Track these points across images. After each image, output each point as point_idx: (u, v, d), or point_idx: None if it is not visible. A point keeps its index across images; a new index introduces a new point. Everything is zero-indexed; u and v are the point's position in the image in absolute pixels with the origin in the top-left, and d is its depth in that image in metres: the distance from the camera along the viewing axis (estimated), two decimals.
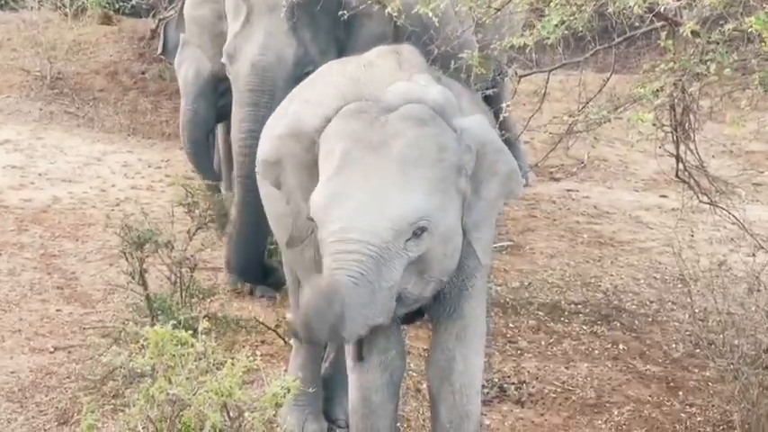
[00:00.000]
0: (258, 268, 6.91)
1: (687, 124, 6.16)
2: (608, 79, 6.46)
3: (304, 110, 4.51)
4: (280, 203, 4.67)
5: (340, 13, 5.86)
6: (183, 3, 6.90)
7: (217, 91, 7.75)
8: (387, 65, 4.69)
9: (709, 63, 4.96)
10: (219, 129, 8.63)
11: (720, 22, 5.02)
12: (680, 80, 5.15)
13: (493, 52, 6.21)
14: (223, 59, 6.34)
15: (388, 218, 4.02)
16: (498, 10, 5.95)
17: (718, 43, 4.92)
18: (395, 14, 5.79)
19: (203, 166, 7.82)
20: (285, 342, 6.35)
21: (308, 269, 4.67)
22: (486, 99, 9.18)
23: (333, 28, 6.29)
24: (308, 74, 6.06)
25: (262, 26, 6.20)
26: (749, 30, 4.64)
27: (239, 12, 6.31)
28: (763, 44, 4.49)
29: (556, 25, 5.27)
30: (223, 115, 8.03)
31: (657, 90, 5.12)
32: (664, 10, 5.03)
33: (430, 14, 5.45)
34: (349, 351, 4.65)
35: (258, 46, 6.22)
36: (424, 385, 5.99)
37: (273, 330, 6.46)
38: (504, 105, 5.46)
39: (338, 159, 4.11)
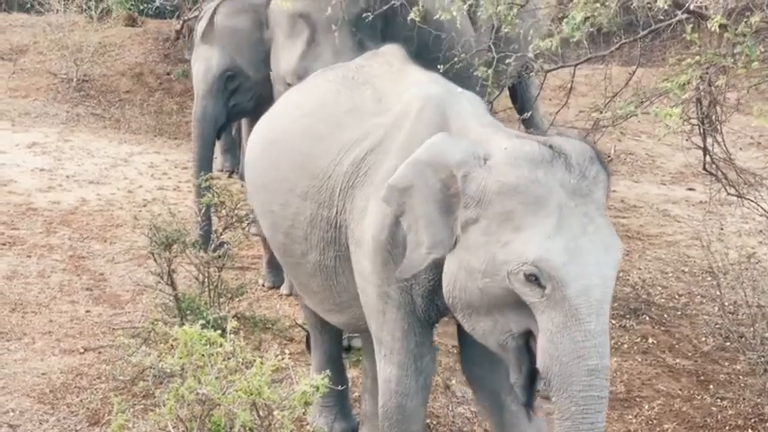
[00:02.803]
0: None
1: (714, 116, 6.14)
2: (633, 73, 6.44)
3: (444, 141, 4.12)
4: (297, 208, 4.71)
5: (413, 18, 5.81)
6: (214, 9, 6.81)
7: (227, 89, 7.79)
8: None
9: (737, 56, 4.93)
10: (244, 128, 8.65)
11: (746, 14, 4.99)
12: (706, 73, 5.12)
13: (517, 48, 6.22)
14: (289, 80, 6.18)
15: (614, 266, 3.96)
16: (522, 6, 5.95)
17: (745, 36, 4.89)
18: (417, 20, 5.81)
19: (204, 164, 7.81)
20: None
21: (308, 275, 4.77)
22: (513, 95, 9.27)
23: (390, 36, 6.20)
24: None
25: (329, 45, 6.05)
26: None
27: (298, 30, 6.13)
28: None
29: (581, 21, 5.25)
30: (235, 114, 8.07)
31: (684, 84, 5.09)
32: (694, 6, 5.00)
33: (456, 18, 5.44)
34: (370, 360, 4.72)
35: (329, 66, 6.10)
36: (453, 381, 6.01)
37: (301, 327, 6.47)
38: (531, 100, 5.45)
39: (555, 210, 3.81)
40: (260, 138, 5.09)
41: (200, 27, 8.19)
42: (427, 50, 6.20)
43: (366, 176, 4.40)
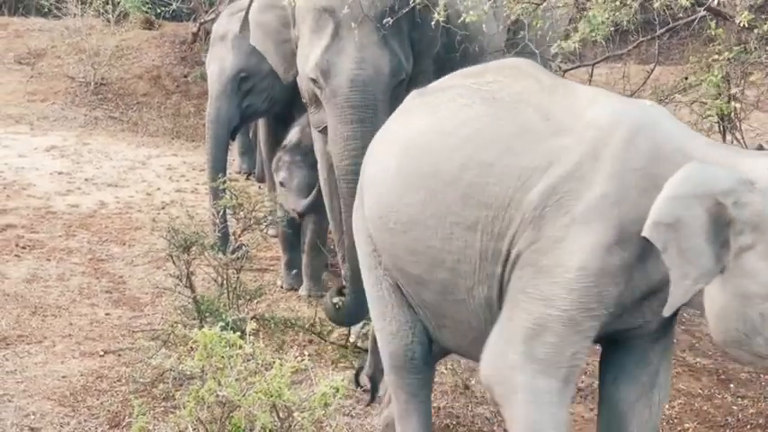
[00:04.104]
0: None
1: (733, 114, 6.11)
2: (652, 71, 6.42)
3: (701, 170, 4.01)
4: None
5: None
6: (249, 7, 6.77)
7: (241, 90, 7.79)
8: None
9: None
10: (261, 130, 8.67)
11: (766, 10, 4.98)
12: (727, 72, 5.11)
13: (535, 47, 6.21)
14: (312, 75, 6.15)
15: None
16: (539, 5, 5.94)
17: None
18: (442, 21, 5.79)
19: (218, 166, 7.81)
20: (326, 342, 6.40)
21: (470, 312, 4.54)
22: None
23: (410, 31, 6.18)
24: (401, 83, 6.05)
25: (353, 39, 6.01)
26: None
27: (323, 25, 6.09)
28: None
29: (602, 21, 5.23)
30: (249, 115, 8.07)
31: (718, 78, 5.07)
32: (715, 4, 4.98)
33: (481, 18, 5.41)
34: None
35: (354, 60, 5.96)
36: (473, 381, 5.99)
37: (311, 331, 6.48)
38: None
39: None
40: (401, 173, 4.61)
41: (216, 28, 8.21)
42: (453, 50, 6.19)
43: (559, 206, 4.19)
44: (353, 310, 6.03)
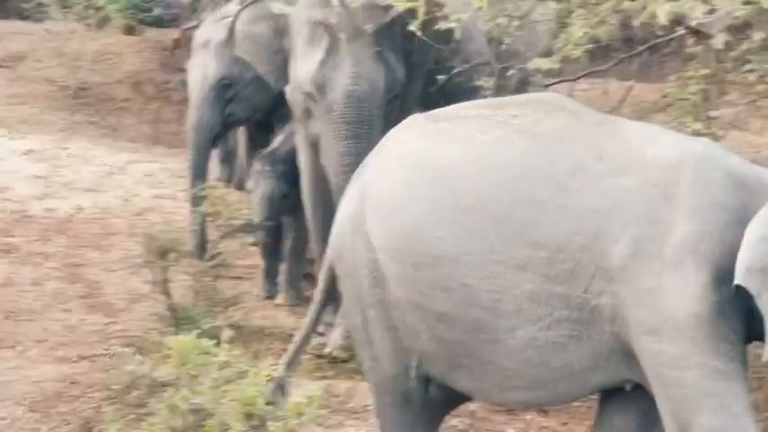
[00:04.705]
0: None
1: (711, 132, 6.15)
2: (631, 87, 6.45)
3: None
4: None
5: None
6: (236, 18, 6.75)
7: (223, 98, 7.78)
8: None
9: (747, 72, 4.95)
10: (241, 138, 8.65)
11: (745, 32, 5.02)
12: (704, 89, 5.16)
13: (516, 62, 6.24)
14: (307, 89, 6.13)
15: None
16: (521, 18, 5.97)
17: (752, 53, 4.91)
18: (417, 31, 5.80)
19: (199, 173, 7.79)
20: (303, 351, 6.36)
21: (503, 353, 4.33)
22: None
23: (404, 45, 6.17)
24: (395, 97, 6.04)
25: (349, 54, 6.01)
26: None
27: (318, 38, 6.08)
28: None
29: (581, 37, 5.26)
30: (230, 123, 8.06)
31: (697, 93, 5.10)
32: (694, 23, 5.03)
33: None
34: None
35: (350, 75, 5.96)
36: None
37: (287, 340, 6.44)
38: None
39: None
40: (432, 205, 4.36)
41: (198, 35, 8.20)
42: (443, 63, 6.21)
43: (642, 253, 4.03)
44: None
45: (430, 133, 4.53)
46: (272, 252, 7.52)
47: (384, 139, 4.77)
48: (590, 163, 4.16)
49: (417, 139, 4.56)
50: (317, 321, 5.01)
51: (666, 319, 3.99)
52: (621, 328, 4.09)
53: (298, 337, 5.00)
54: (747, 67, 4.93)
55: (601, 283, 4.08)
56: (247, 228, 7.12)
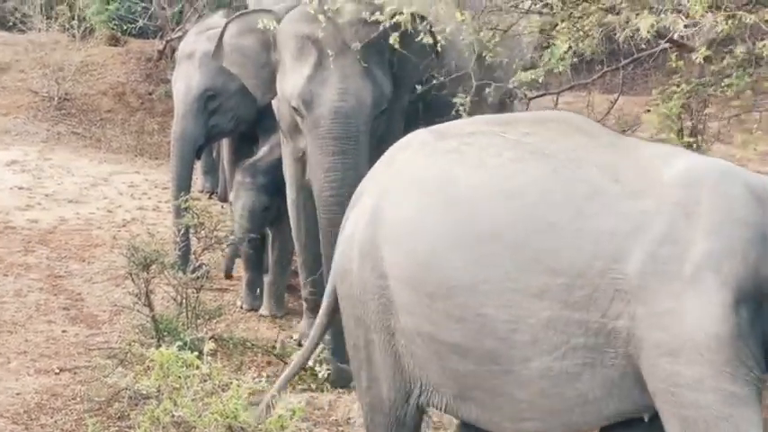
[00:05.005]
0: None
1: (695, 146, 6.17)
2: (615, 101, 6.47)
3: None
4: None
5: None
6: (223, 31, 6.74)
7: (207, 109, 7.79)
8: None
9: (726, 86, 4.97)
10: (225, 149, 8.64)
11: (727, 45, 5.05)
12: (688, 103, 5.18)
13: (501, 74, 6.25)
14: (294, 104, 6.12)
15: None
16: (505, 31, 5.99)
17: (732, 67, 4.93)
18: (396, 45, 5.81)
19: (183, 184, 7.78)
20: (285, 363, 6.36)
21: (517, 384, 4.23)
22: None
23: (398, 64, 6.17)
24: (382, 112, 6.05)
25: (336, 69, 6.00)
26: (765, 53, 4.65)
27: (306, 53, 6.07)
28: None
29: (565, 51, 5.28)
30: (214, 135, 8.06)
31: (675, 108, 5.12)
32: (677, 36, 5.05)
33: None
34: None
35: (337, 91, 5.94)
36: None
37: (269, 352, 6.44)
38: None
39: None
40: (447, 231, 4.25)
41: (182, 47, 8.20)
42: (430, 78, 6.22)
43: (662, 273, 3.93)
44: None
45: (441, 154, 4.40)
46: (254, 264, 7.50)
47: (389, 156, 4.62)
48: (606, 186, 4.09)
49: (429, 161, 4.42)
50: (317, 344, 4.94)
51: (686, 341, 3.91)
52: (635, 350, 4.01)
53: (297, 359, 4.94)
54: (726, 81, 4.95)
55: (619, 305, 4.00)
56: (229, 240, 7.12)
